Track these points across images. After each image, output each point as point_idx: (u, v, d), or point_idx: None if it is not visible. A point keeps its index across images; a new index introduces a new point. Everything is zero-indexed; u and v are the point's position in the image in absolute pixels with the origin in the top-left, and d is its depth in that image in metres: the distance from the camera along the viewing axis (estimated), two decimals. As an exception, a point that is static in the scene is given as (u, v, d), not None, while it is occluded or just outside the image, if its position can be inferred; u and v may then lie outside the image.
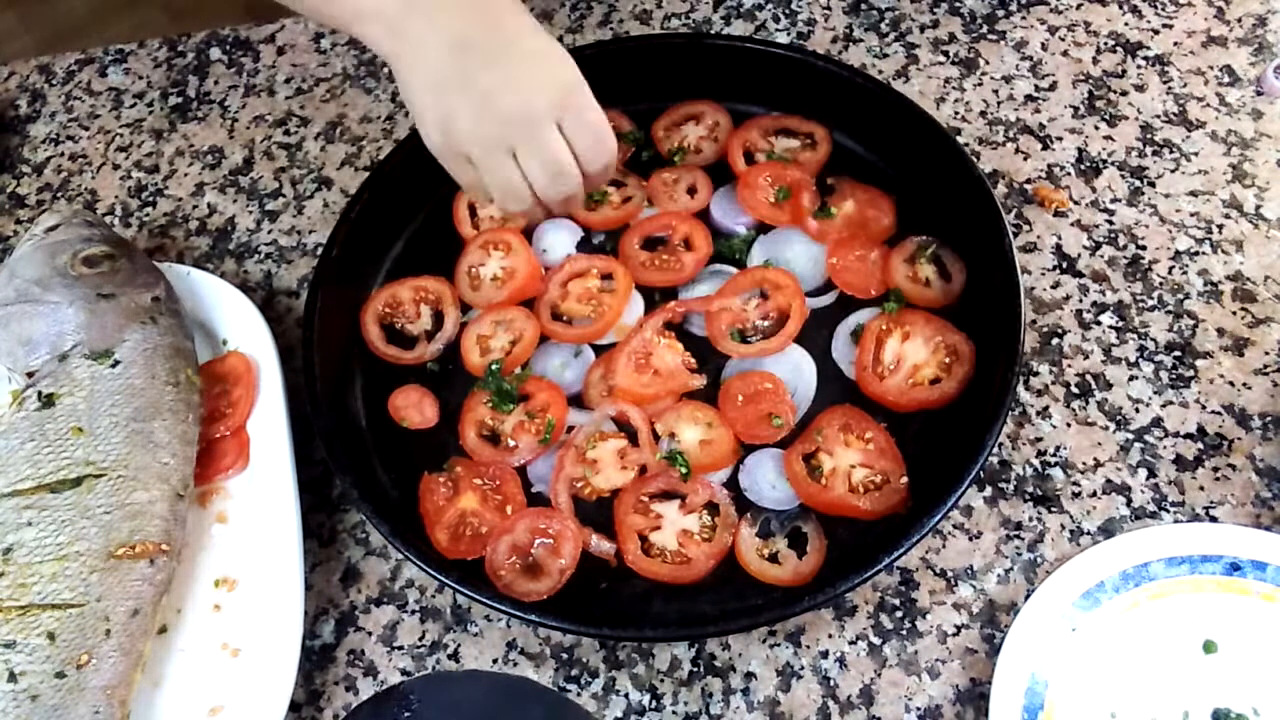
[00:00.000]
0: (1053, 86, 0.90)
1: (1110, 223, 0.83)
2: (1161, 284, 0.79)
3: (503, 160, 0.65)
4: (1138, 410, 0.75)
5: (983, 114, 0.89)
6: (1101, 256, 0.81)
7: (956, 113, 0.89)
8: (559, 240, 0.85)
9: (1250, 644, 0.64)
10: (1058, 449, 0.74)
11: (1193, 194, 0.83)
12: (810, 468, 0.71)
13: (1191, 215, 0.82)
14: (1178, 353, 0.77)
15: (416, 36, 0.64)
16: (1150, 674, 0.64)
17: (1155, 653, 0.64)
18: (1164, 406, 0.75)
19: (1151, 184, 0.84)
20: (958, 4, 0.96)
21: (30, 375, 0.72)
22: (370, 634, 0.72)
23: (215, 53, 1.04)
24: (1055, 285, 0.80)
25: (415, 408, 0.78)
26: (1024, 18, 0.94)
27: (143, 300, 0.76)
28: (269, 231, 0.92)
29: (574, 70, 0.66)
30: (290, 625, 0.68)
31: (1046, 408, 0.75)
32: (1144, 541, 0.66)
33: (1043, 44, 0.93)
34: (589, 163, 0.67)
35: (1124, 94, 0.89)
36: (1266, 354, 0.76)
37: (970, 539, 0.71)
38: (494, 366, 0.78)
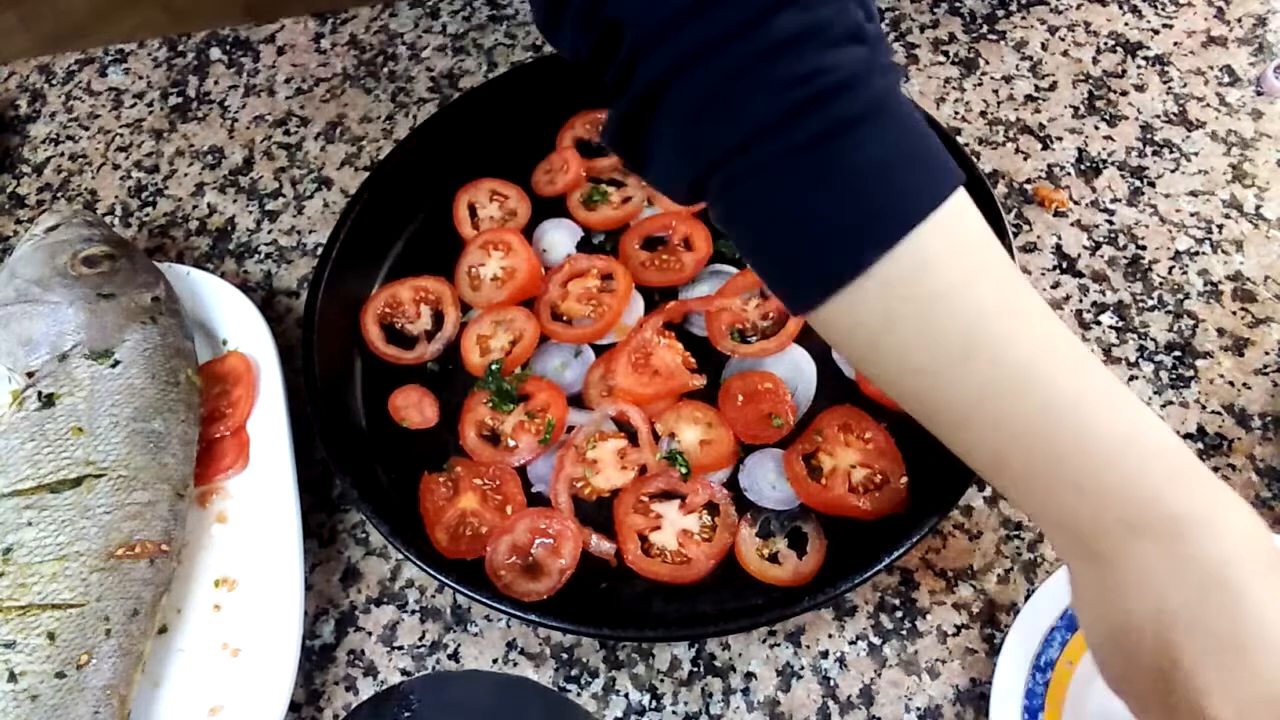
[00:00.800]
0: (1053, 86, 0.90)
1: (1110, 223, 0.83)
2: (1161, 284, 0.79)
3: None
4: (1138, 410, 0.75)
5: (983, 114, 0.89)
6: (1101, 256, 0.81)
7: (956, 113, 0.89)
8: (559, 240, 0.85)
9: None
10: (1058, 449, 0.74)
11: (1193, 194, 0.83)
12: (810, 468, 0.71)
13: (1191, 215, 0.82)
14: (1178, 353, 0.77)
15: (1117, 579, 0.48)
16: None
17: None
18: (1164, 406, 0.75)
19: (1151, 184, 0.84)
20: (958, 4, 0.96)
21: (30, 375, 0.72)
22: (370, 634, 0.72)
23: (215, 53, 1.05)
24: (1055, 285, 0.80)
25: (415, 408, 0.78)
26: (1024, 18, 0.94)
27: (143, 300, 0.76)
28: (269, 231, 0.92)
29: None
30: (290, 625, 0.68)
31: (1046, 408, 0.75)
32: None
33: (1043, 44, 0.93)
34: None
35: (1124, 94, 0.89)
36: (1266, 354, 0.76)
37: (970, 539, 0.71)
38: (494, 366, 0.78)
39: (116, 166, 0.98)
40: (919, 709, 0.66)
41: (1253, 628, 0.46)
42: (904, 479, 0.70)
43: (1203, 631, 0.46)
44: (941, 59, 0.93)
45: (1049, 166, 0.86)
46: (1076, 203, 0.84)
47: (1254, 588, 0.46)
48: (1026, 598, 0.66)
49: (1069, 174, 0.85)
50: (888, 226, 0.47)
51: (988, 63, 0.92)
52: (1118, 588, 0.48)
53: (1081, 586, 0.51)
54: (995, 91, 0.90)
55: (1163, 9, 0.93)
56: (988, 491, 0.72)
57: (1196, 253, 0.80)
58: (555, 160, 0.89)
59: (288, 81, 1.01)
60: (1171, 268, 0.80)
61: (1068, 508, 0.49)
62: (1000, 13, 0.95)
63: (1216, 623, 0.46)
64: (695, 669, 0.69)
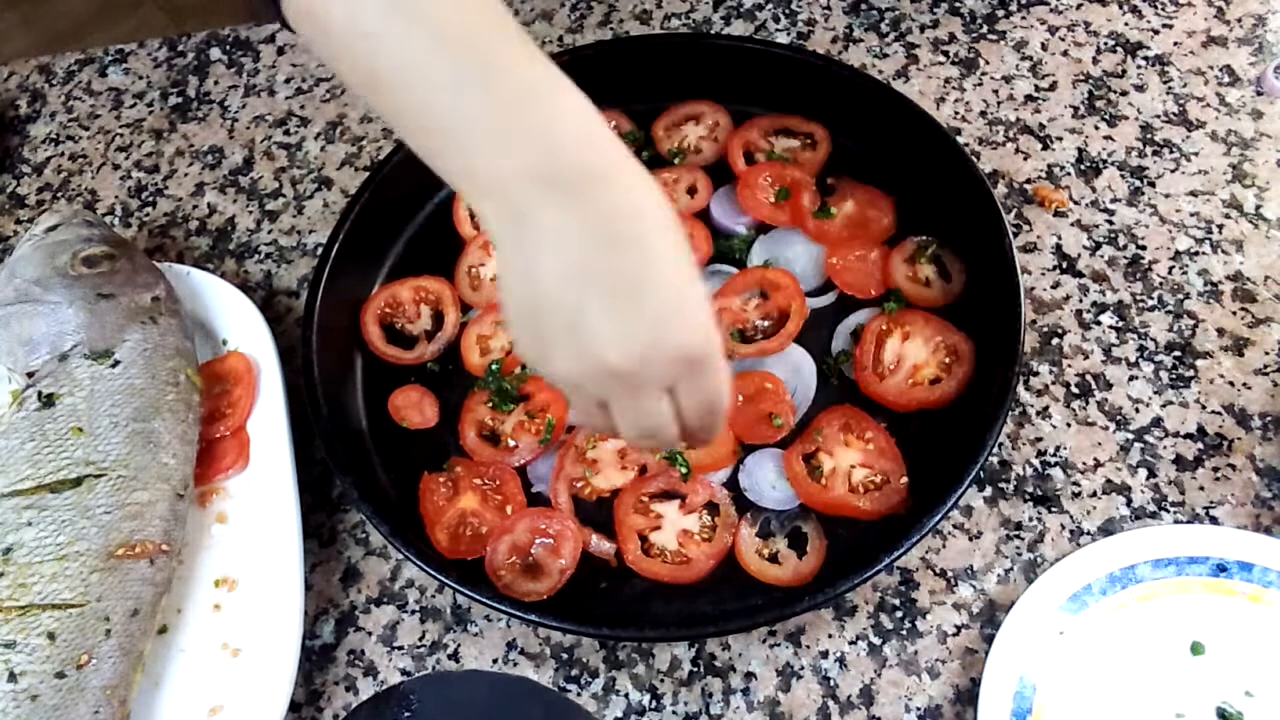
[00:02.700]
0: (1053, 86, 0.90)
1: (1110, 223, 0.83)
2: (1161, 284, 0.79)
3: (591, 405, 0.54)
4: (1138, 410, 0.75)
5: (983, 114, 0.89)
6: (1101, 256, 0.81)
7: (956, 113, 0.90)
8: (559, 240, 0.85)
9: (1238, 645, 0.64)
10: (1058, 449, 0.74)
11: (1193, 194, 0.83)
12: (810, 468, 0.71)
13: (1191, 215, 0.82)
14: (1178, 353, 0.77)
15: (533, 236, 0.50)
16: (1138, 676, 0.64)
17: (1143, 655, 0.64)
18: (1164, 406, 0.75)
19: (1151, 184, 0.84)
20: (958, 4, 0.96)
21: (30, 375, 0.72)
22: (370, 634, 0.72)
23: (215, 53, 1.05)
24: (1055, 285, 0.80)
25: (415, 408, 0.78)
26: (1024, 18, 0.94)
27: (143, 300, 0.76)
28: (269, 231, 0.92)
29: (704, 325, 0.52)
30: (290, 625, 0.68)
31: (1046, 408, 0.75)
32: (1131, 544, 0.66)
33: (1043, 44, 0.93)
34: (693, 430, 0.55)
35: (1124, 94, 0.89)
36: (1266, 354, 0.76)
37: (970, 539, 0.71)
38: (494, 366, 0.78)
39: (116, 166, 0.98)
40: (919, 709, 0.66)
41: (652, 277, 0.50)
42: (904, 479, 0.70)
43: (607, 281, 0.49)
44: (941, 59, 0.93)
45: (1049, 166, 0.86)
46: (1076, 203, 0.84)
47: (655, 241, 0.50)
48: (1026, 598, 0.66)
49: (1069, 174, 0.85)
50: None
51: (988, 63, 0.92)
52: (534, 245, 0.50)
53: (504, 254, 0.52)
54: (995, 91, 0.90)
55: (1163, 9, 0.93)
56: (987, 491, 0.73)
57: (1196, 253, 0.80)
58: (555, 160, 0.89)
59: (288, 81, 1.01)
60: (1171, 268, 0.80)
61: (489, 159, 0.50)
62: (1000, 13, 0.95)
63: (619, 273, 0.49)
64: (695, 669, 0.69)
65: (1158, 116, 0.87)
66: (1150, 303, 0.79)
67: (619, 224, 0.50)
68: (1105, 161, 0.85)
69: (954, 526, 0.72)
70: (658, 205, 0.51)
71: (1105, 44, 0.92)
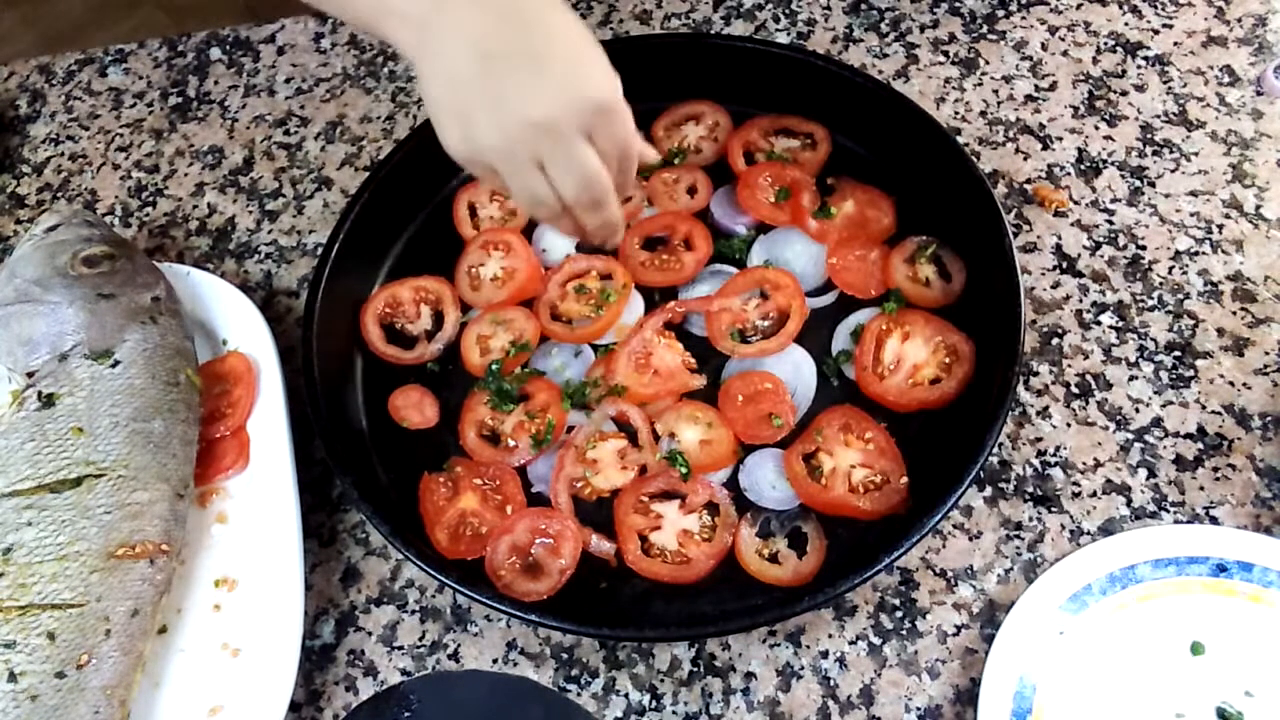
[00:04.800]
0: (1053, 86, 0.90)
1: (1110, 223, 0.83)
2: (1161, 284, 0.79)
3: (528, 171, 0.62)
4: (1138, 410, 0.75)
5: (983, 114, 0.89)
6: (1101, 256, 0.81)
7: (956, 113, 0.89)
8: (559, 240, 0.85)
9: (1238, 645, 0.64)
10: (1058, 449, 0.74)
11: (1193, 194, 0.83)
12: (810, 468, 0.71)
13: (1191, 215, 0.82)
14: (1178, 353, 0.77)
15: (440, 37, 0.60)
16: (1138, 676, 0.64)
17: (1143, 655, 0.64)
18: (1164, 406, 0.75)
19: (1151, 184, 0.84)
20: (958, 4, 0.96)
21: (30, 375, 0.72)
22: (370, 634, 0.72)
23: (215, 53, 1.04)
24: (1055, 285, 0.80)
25: (415, 408, 0.78)
26: (1024, 18, 0.94)
27: (143, 300, 0.76)
28: (269, 231, 0.92)
29: (607, 77, 0.61)
30: (290, 625, 0.68)
31: (1046, 408, 0.75)
32: (1131, 544, 0.66)
33: (1043, 44, 0.93)
34: (615, 170, 0.63)
35: (1124, 94, 0.89)
36: (1266, 354, 0.76)
37: (970, 539, 0.71)
38: (494, 366, 0.78)
39: (116, 166, 0.98)
40: (919, 709, 0.66)
41: (553, 43, 0.59)
42: (904, 479, 0.70)
43: (515, 54, 0.59)
44: (941, 59, 0.93)
45: (1049, 166, 0.86)
46: (1076, 203, 0.84)
47: (549, 14, 0.60)
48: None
49: (1069, 174, 0.85)
50: None
51: (988, 63, 0.92)
52: (443, 42, 0.60)
53: (421, 67, 0.62)
54: (995, 91, 0.90)
55: (1163, 9, 0.93)
56: (987, 491, 0.73)
57: (1196, 253, 0.80)
58: (555, 160, 0.89)
59: (288, 81, 1.01)
60: (1171, 268, 0.80)
61: None
62: (1000, 13, 0.95)
63: (524, 44, 0.59)
64: (695, 669, 0.69)
65: (1158, 116, 0.87)
66: (1150, 303, 0.79)
67: (509, 4, 0.59)
68: (1105, 161, 0.85)
69: (954, 526, 0.72)
70: None
71: (1105, 44, 0.92)
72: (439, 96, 0.62)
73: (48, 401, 0.70)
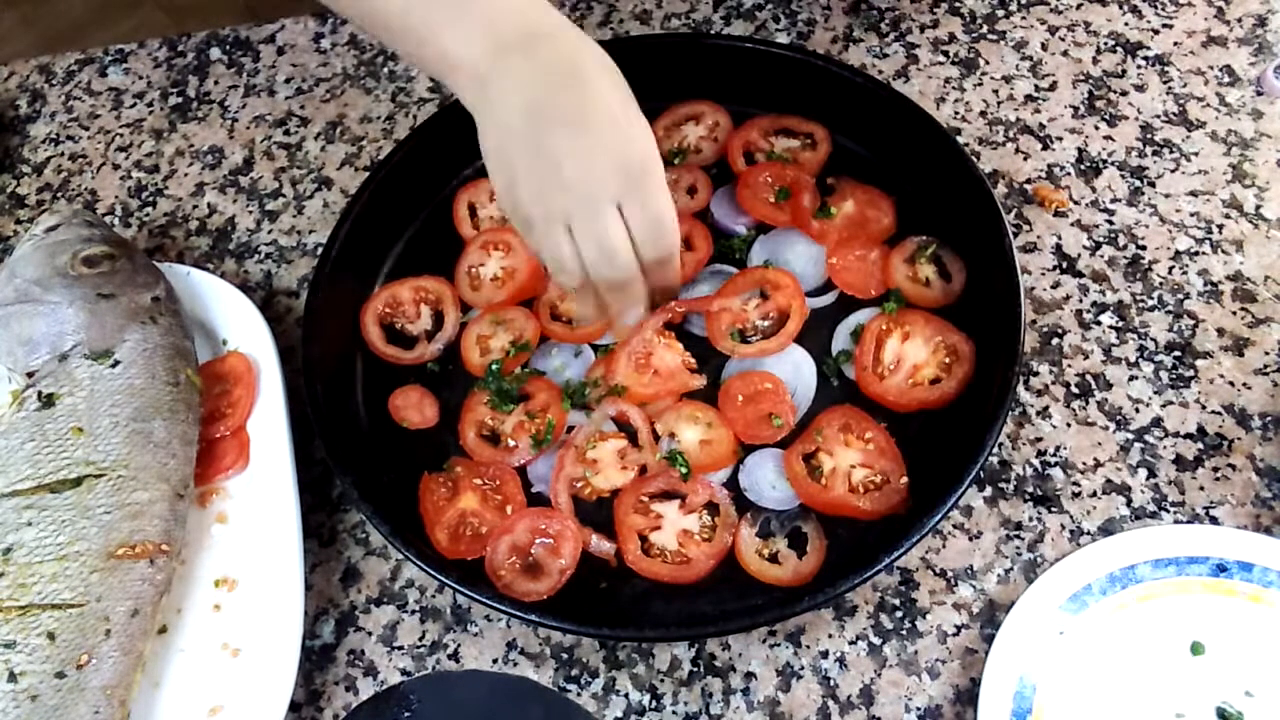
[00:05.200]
0: (1053, 86, 0.90)
1: (1110, 223, 0.83)
2: (1161, 284, 0.79)
3: (556, 231, 0.63)
4: (1138, 410, 0.75)
5: (983, 114, 0.89)
6: (1101, 256, 0.81)
7: (956, 113, 0.90)
8: (559, 240, 0.85)
9: (1238, 645, 0.64)
10: (1058, 449, 0.74)
11: (1193, 194, 0.83)
12: (810, 468, 0.71)
13: (1191, 215, 0.82)
14: (1178, 353, 0.77)
15: (497, 92, 0.62)
16: (1138, 676, 0.64)
17: (1143, 655, 0.64)
18: (1164, 406, 0.75)
19: (1151, 184, 0.84)
20: (958, 4, 0.96)
21: (30, 375, 0.72)
22: (370, 634, 0.72)
23: (215, 53, 1.05)
24: (1055, 285, 0.80)
25: (415, 408, 0.78)
26: (1024, 18, 0.94)
27: (143, 300, 0.76)
28: (269, 231, 0.92)
29: (649, 149, 0.63)
30: (290, 625, 0.68)
31: (1046, 408, 0.75)
32: (1131, 544, 0.66)
33: (1043, 44, 0.93)
34: (645, 251, 0.64)
35: (1124, 94, 0.89)
36: (1266, 354, 0.76)
37: (970, 539, 0.71)
38: (494, 366, 0.78)
39: (116, 166, 0.98)
40: (919, 709, 0.66)
41: (595, 106, 0.61)
42: (904, 479, 0.70)
43: (559, 113, 0.61)
44: (941, 59, 0.93)
45: (1049, 166, 0.86)
46: (1076, 203, 0.84)
47: (595, 78, 0.62)
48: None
49: (1069, 174, 0.85)
50: None
51: (988, 63, 0.92)
52: (499, 98, 0.62)
53: (481, 121, 0.64)
54: (995, 91, 0.90)
55: (1163, 9, 0.93)
56: (987, 491, 0.73)
57: (1196, 253, 0.80)
58: (555, 160, 0.89)
59: (288, 81, 1.01)
60: (1171, 268, 0.80)
61: (458, 39, 0.63)
62: (1000, 13, 0.95)
63: (568, 105, 0.61)
64: (695, 669, 0.69)
65: (1158, 116, 0.87)
66: (1150, 303, 0.79)
67: (563, 67, 0.62)
68: (1105, 161, 0.85)
69: (954, 526, 0.72)
70: (595, 52, 0.63)
71: (1105, 44, 0.92)
72: (491, 148, 0.64)
73: (48, 401, 0.70)
